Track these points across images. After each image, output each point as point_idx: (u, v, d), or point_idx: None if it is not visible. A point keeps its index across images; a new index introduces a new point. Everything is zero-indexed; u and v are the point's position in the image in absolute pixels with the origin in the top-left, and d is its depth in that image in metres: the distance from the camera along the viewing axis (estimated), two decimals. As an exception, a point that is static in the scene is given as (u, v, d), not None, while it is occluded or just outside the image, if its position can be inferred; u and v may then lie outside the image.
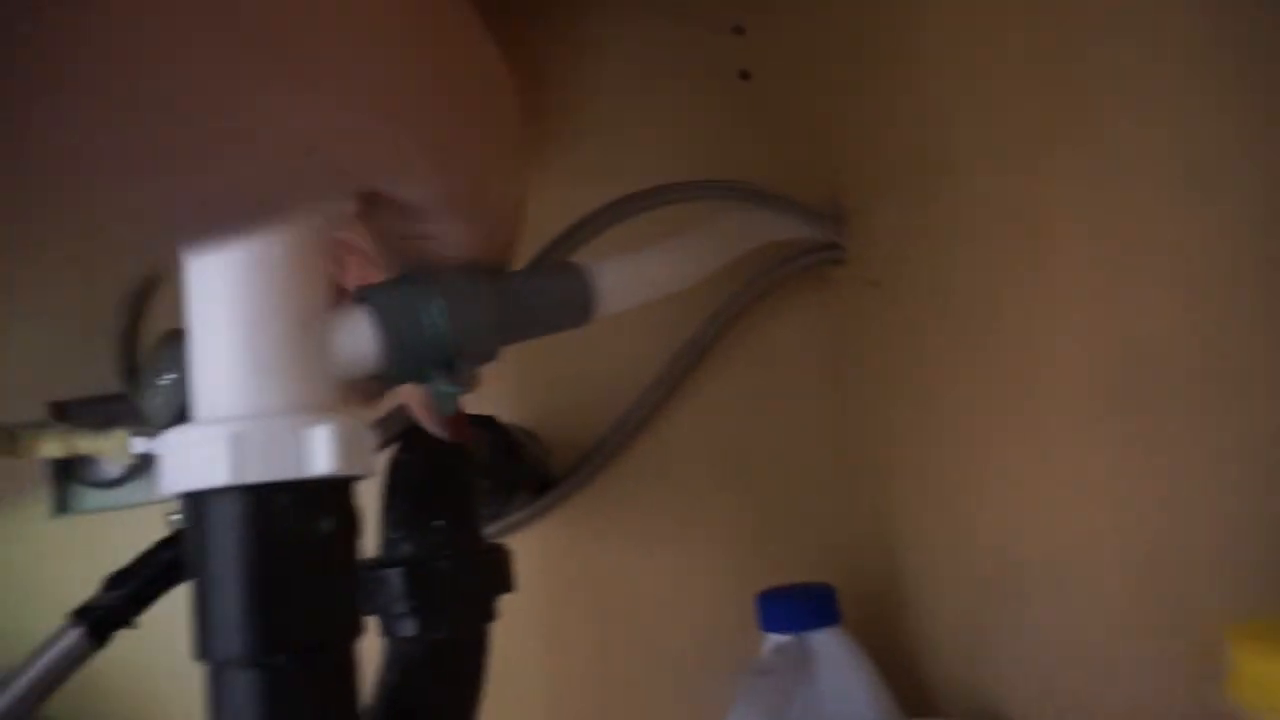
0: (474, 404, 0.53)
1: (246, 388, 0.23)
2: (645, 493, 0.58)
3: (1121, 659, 0.29)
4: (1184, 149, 0.25)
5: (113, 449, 0.60)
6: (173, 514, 0.25)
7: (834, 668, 0.45)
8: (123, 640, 0.59)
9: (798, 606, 0.45)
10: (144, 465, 0.61)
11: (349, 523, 0.25)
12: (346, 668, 0.25)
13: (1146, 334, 0.27)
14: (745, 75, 0.62)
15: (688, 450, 0.58)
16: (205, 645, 0.23)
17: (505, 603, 0.58)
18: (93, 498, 0.64)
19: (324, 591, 0.24)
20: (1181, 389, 0.25)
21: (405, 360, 0.26)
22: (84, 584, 0.59)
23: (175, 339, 0.29)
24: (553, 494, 0.57)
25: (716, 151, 0.58)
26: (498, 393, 0.57)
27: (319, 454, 0.23)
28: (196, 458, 0.23)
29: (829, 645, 0.45)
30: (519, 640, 0.57)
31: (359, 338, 0.26)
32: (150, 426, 0.44)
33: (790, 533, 0.56)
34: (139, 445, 0.56)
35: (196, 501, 0.23)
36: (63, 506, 0.64)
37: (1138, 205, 0.27)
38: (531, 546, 0.58)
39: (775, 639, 0.45)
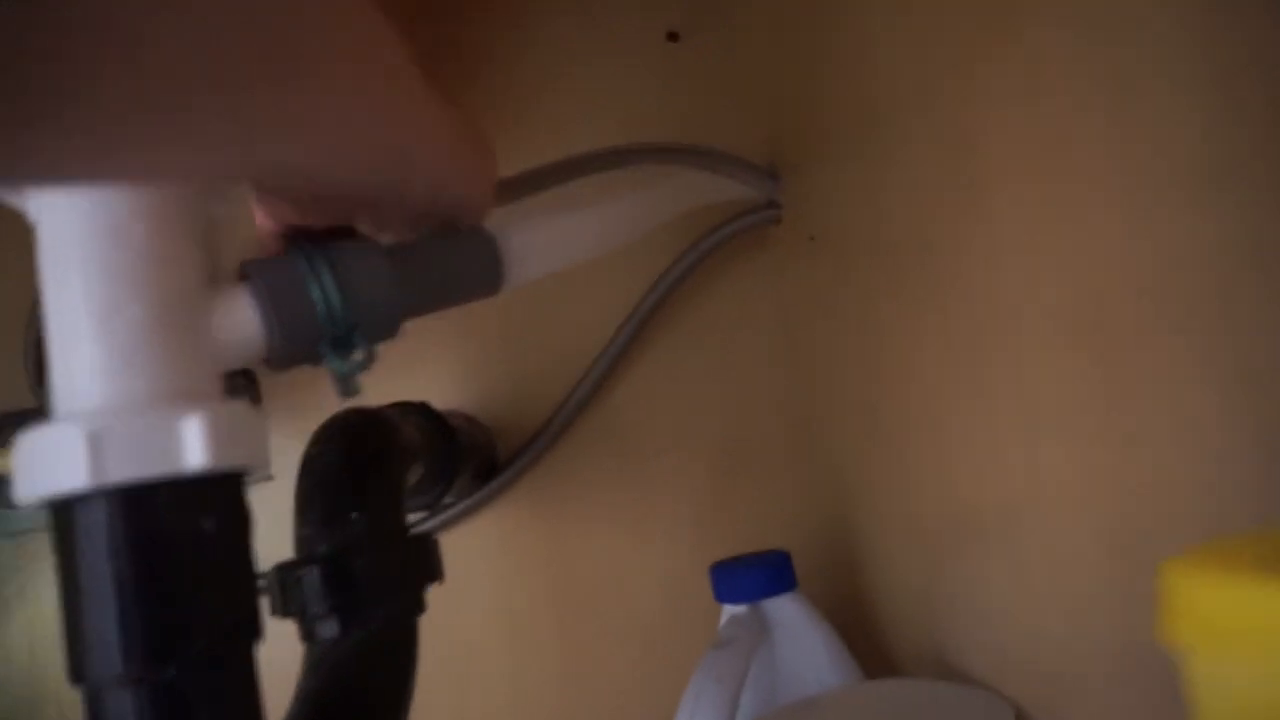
0: (407, 391, 0.51)
1: (106, 376, 0.21)
2: (596, 469, 0.56)
3: (1084, 603, 0.28)
4: (1116, 57, 0.23)
5: (31, 464, 0.57)
6: None
7: (792, 634, 0.43)
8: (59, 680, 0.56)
9: (751, 575, 0.44)
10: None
11: (237, 519, 0.23)
12: (244, 678, 0.22)
13: (1094, 264, 0.25)
14: (673, 36, 0.60)
15: (636, 423, 0.56)
16: (80, 665, 0.21)
17: (461, 589, 0.56)
18: (15, 520, 0.60)
19: (212, 596, 0.22)
20: (1134, 320, 0.24)
21: (294, 339, 0.24)
22: (10, 608, 0.56)
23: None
24: (500, 478, 0.55)
25: (647, 114, 0.56)
26: (433, 378, 0.55)
27: (192, 447, 0.21)
28: (52, 459, 0.20)
29: (786, 611, 0.44)
30: (478, 625, 0.55)
31: (240, 318, 0.24)
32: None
33: (745, 499, 0.55)
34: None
35: (58, 509, 0.21)
36: (-16, 529, 0.61)
37: (1075, 128, 0.25)
38: (485, 531, 0.56)
39: (731, 610, 0.44)
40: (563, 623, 0.56)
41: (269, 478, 0.57)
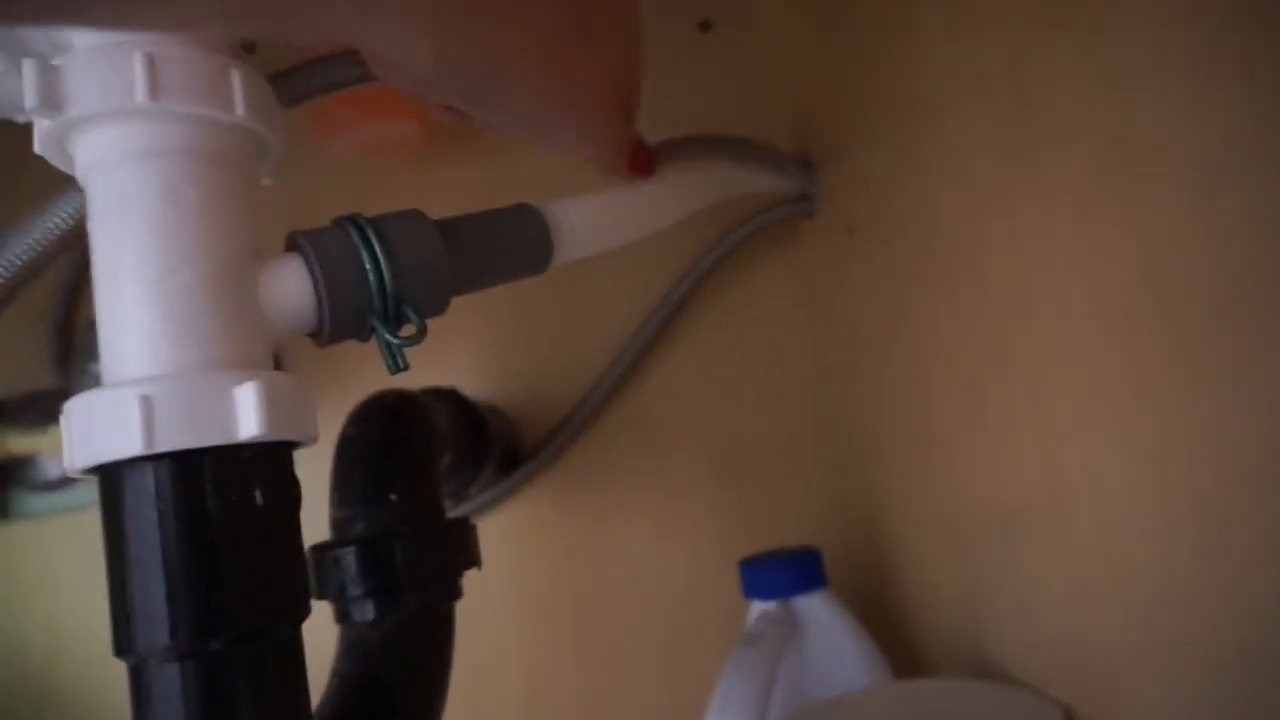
0: (431, 379, 0.50)
1: (158, 342, 0.21)
2: (620, 464, 0.56)
3: (1143, 598, 0.27)
4: (1190, 39, 0.23)
5: (51, 447, 0.56)
6: None
7: (822, 632, 0.43)
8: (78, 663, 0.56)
9: (782, 572, 0.43)
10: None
11: (288, 493, 0.22)
12: (292, 655, 0.22)
13: (1158, 250, 0.25)
14: (706, 26, 0.59)
15: (661, 416, 0.55)
16: (127, 638, 0.20)
17: (480, 584, 0.56)
18: (36, 502, 0.60)
19: (262, 570, 0.21)
20: (1199, 305, 0.23)
21: (344, 311, 0.24)
22: (31, 592, 0.56)
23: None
24: (523, 470, 0.54)
25: (680, 104, 0.56)
26: (456, 368, 0.55)
27: (246, 416, 0.20)
28: (104, 426, 0.20)
29: (816, 610, 0.43)
30: (496, 622, 0.55)
31: (290, 288, 0.23)
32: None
33: (773, 496, 0.54)
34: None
35: (109, 477, 0.20)
36: (3, 512, 0.60)
37: (1139, 108, 0.25)
38: (505, 525, 0.55)
39: (760, 606, 0.43)
40: (582, 617, 0.55)
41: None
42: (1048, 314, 0.30)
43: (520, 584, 0.55)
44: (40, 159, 0.23)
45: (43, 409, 0.58)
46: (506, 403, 0.56)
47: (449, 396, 0.44)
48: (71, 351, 0.58)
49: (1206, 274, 0.23)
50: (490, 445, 0.45)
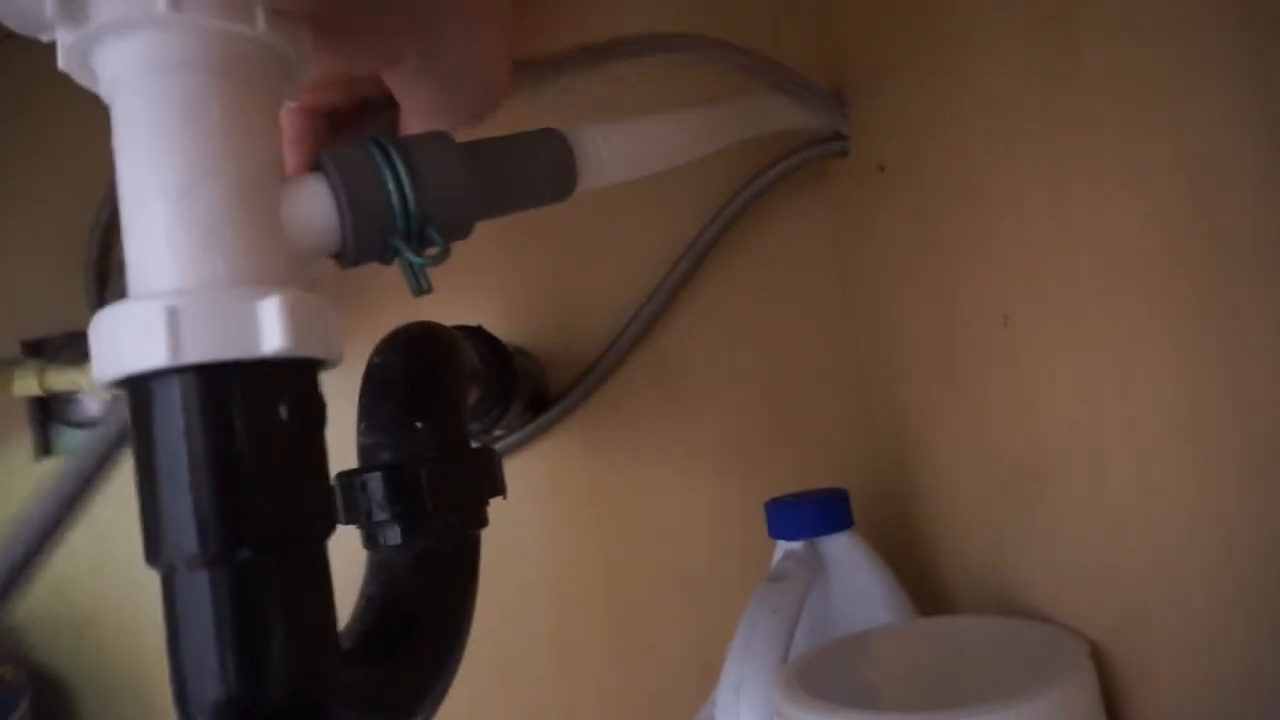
0: (462, 318, 0.50)
1: (182, 255, 0.21)
2: (647, 405, 0.56)
3: (1179, 539, 0.27)
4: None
5: (91, 384, 0.58)
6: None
7: (847, 572, 0.43)
8: (120, 591, 0.57)
9: (807, 512, 0.43)
10: (125, 400, 0.59)
11: (312, 410, 0.22)
12: (318, 569, 0.22)
13: (1203, 179, 0.24)
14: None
15: (690, 358, 0.55)
16: (157, 546, 0.21)
17: (510, 525, 0.56)
18: (76, 438, 0.61)
19: (287, 483, 0.21)
20: (1244, 243, 0.23)
21: (367, 230, 0.24)
22: (75, 527, 0.57)
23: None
24: (551, 412, 0.55)
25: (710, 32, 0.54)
26: (484, 310, 0.55)
27: (270, 330, 0.21)
28: (130, 337, 0.20)
29: (842, 550, 0.43)
30: (525, 563, 0.55)
31: (313, 206, 0.23)
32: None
33: (800, 438, 0.54)
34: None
35: (136, 389, 0.21)
36: (46, 449, 0.62)
37: (1187, 31, 0.24)
38: (532, 467, 0.56)
39: (786, 546, 0.43)
40: (610, 558, 0.55)
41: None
42: (1089, 250, 0.29)
43: (549, 525, 0.56)
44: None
45: (82, 348, 0.59)
46: (535, 346, 0.56)
47: (476, 333, 0.44)
48: (108, 291, 0.59)
49: (1257, 207, 0.22)
50: (518, 383, 0.45)
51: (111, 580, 0.58)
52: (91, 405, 0.61)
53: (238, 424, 0.20)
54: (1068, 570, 0.33)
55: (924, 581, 0.45)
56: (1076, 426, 0.31)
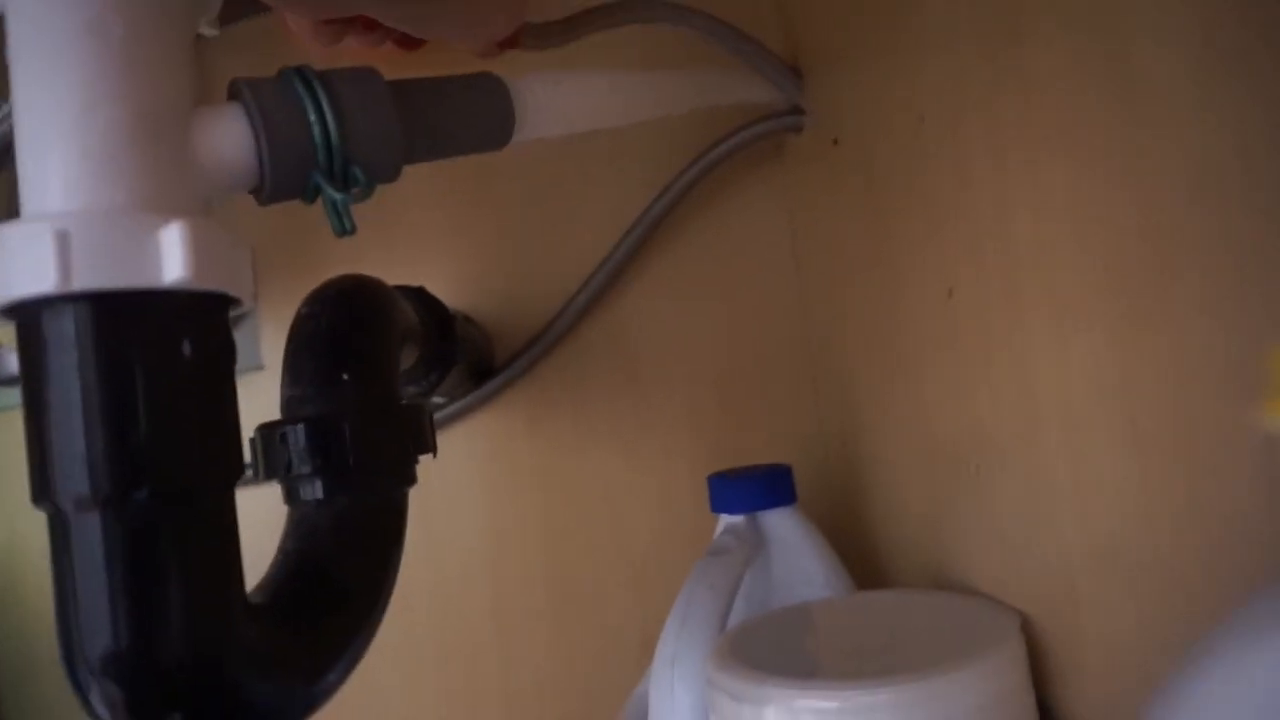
0: (407, 280, 0.49)
1: (79, 178, 0.19)
2: (595, 380, 0.55)
3: (1110, 518, 0.27)
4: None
5: (11, 340, 0.55)
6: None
7: (788, 548, 0.42)
8: (38, 554, 0.55)
9: (750, 487, 0.43)
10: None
11: (220, 349, 0.21)
12: (223, 517, 0.21)
13: (1138, 151, 0.23)
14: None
15: (638, 333, 0.54)
16: (45, 485, 0.19)
17: (448, 495, 0.55)
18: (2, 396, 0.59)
19: (188, 424, 0.20)
20: (1179, 214, 0.22)
21: (286, 164, 0.22)
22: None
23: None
24: (494, 381, 0.53)
25: None
26: (428, 276, 0.53)
27: (171, 259, 0.19)
28: (16, 260, 0.19)
29: (783, 525, 0.42)
30: (465, 534, 0.54)
31: (229, 137, 0.22)
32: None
33: (746, 417, 0.54)
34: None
35: (25, 317, 0.19)
36: (-33, 407, 0.59)
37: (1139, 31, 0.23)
38: (474, 437, 0.55)
39: (727, 520, 0.43)
40: (552, 532, 0.55)
41: (259, 367, 0.56)
42: (1025, 219, 0.29)
43: (490, 497, 0.55)
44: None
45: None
46: (482, 314, 0.54)
47: (417, 294, 0.43)
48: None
49: (1190, 177, 0.22)
50: (457, 345, 0.44)
51: (31, 542, 0.55)
52: (12, 362, 0.58)
53: (135, 358, 0.19)
54: (1001, 546, 0.33)
55: (864, 558, 0.45)
56: (1010, 406, 0.31)
